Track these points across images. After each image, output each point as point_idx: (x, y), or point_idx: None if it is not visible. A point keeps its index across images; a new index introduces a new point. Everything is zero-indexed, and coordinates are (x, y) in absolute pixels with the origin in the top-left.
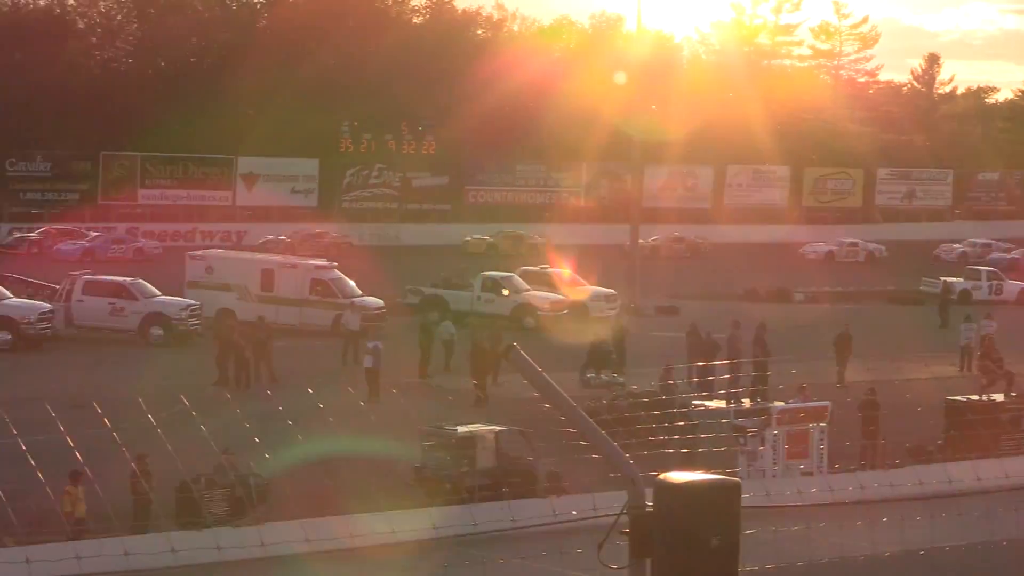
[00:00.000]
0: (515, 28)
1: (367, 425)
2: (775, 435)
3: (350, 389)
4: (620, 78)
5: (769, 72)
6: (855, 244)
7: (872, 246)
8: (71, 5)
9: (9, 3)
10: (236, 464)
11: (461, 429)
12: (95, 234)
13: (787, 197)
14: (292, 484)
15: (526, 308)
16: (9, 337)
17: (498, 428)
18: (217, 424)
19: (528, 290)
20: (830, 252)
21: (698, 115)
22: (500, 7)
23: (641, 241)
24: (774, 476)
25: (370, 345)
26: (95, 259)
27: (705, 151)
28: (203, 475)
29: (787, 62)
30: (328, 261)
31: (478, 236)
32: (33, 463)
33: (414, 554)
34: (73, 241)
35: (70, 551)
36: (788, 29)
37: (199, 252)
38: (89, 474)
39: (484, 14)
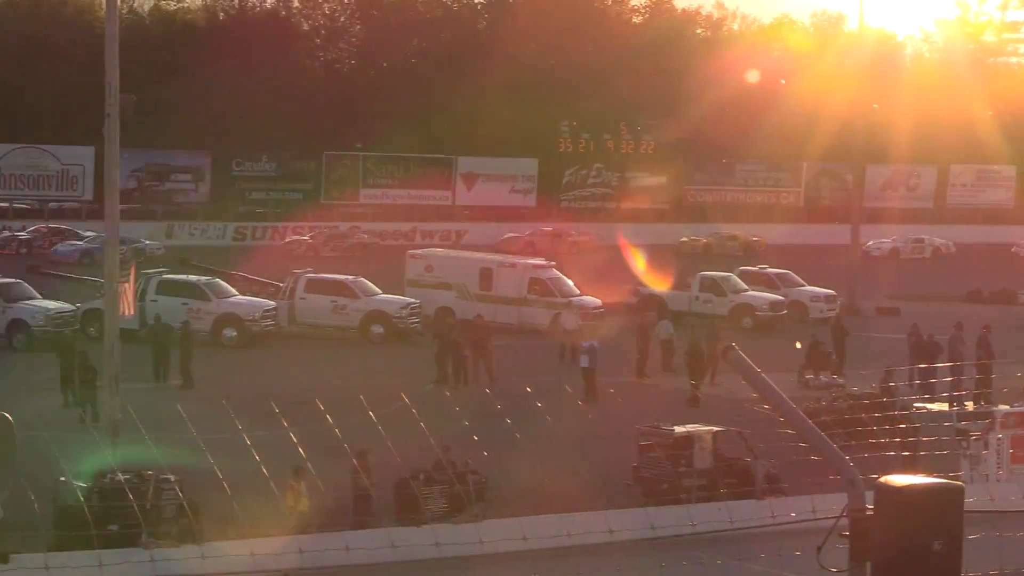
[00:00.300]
0: (735, 27)
1: (584, 424)
2: (999, 439)
3: (568, 388)
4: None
5: (994, 70)
6: (920, 240)
7: (939, 242)
8: (296, 7)
9: (236, 6)
10: (455, 461)
11: (679, 429)
12: (90, 234)
13: (1013, 197)
14: (510, 482)
15: (744, 308)
16: (235, 334)
17: (715, 428)
18: (436, 421)
19: (746, 290)
20: (895, 249)
21: (921, 114)
22: (720, 6)
23: (693, 239)
24: (998, 480)
25: (587, 344)
26: (94, 260)
27: (928, 150)
28: (422, 471)
29: (1013, 60)
30: (546, 260)
31: (513, 234)
32: (257, 457)
33: (631, 553)
34: (70, 242)
35: (292, 545)
36: (1015, 26)
37: (419, 251)
38: (311, 469)
39: (704, 13)
